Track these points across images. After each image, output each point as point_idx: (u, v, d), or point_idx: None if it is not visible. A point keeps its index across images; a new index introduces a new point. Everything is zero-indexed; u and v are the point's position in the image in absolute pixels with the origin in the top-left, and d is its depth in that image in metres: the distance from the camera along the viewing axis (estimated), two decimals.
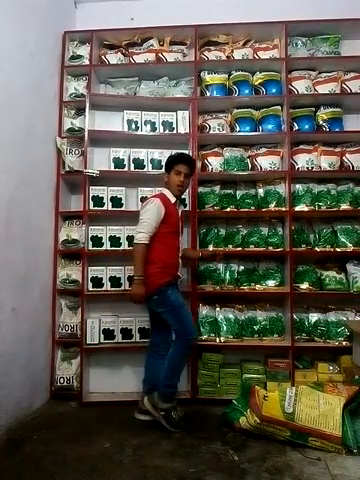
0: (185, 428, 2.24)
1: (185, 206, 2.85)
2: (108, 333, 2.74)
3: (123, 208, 2.82)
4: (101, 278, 2.76)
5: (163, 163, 2.84)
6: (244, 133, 2.98)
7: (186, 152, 2.88)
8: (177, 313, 2.31)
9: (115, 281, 2.77)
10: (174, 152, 2.66)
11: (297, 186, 2.91)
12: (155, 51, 3.11)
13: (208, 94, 3.03)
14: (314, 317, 2.82)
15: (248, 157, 3.03)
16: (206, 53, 3.09)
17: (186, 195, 2.85)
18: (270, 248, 2.87)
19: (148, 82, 3.09)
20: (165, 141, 2.92)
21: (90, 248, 2.77)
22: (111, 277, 2.76)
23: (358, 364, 2.42)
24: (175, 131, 2.92)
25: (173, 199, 2.41)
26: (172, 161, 2.45)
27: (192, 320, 2.41)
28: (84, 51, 3.10)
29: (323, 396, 2.20)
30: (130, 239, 2.77)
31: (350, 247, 2.81)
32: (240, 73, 3.04)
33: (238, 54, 3.08)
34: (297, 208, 2.86)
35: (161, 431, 2.25)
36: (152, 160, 2.86)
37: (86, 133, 2.79)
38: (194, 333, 2.37)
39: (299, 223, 2.93)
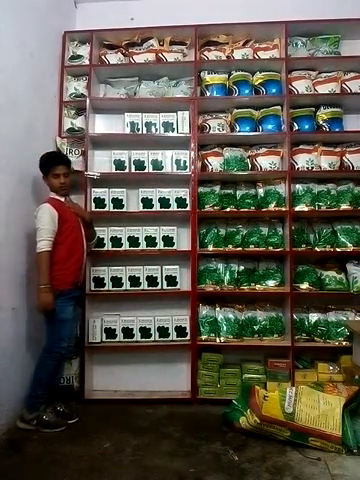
0: (65, 424, 2.25)
1: (185, 206, 2.83)
2: (110, 332, 2.75)
3: (124, 209, 2.82)
4: (103, 278, 2.77)
5: (164, 164, 2.87)
6: (244, 133, 2.98)
7: (188, 152, 2.89)
8: (53, 324, 2.28)
9: (117, 281, 2.78)
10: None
11: (297, 186, 2.91)
12: (155, 51, 3.11)
13: (208, 94, 3.03)
14: (314, 317, 2.82)
15: (248, 157, 3.03)
16: (206, 53, 3.09)
17: (186, 195, 2.86)
18: (270, 248, 2.87)
19: (148, 82, 3.09)
20: (166, 142, 2.92)
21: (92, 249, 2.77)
22: (113, 277, 2.78)
23: (358, 364, 2.43)
24: (175, 132, 2.91)
25: (62, 198, 2.41)
26: (46, 165, 2.39)
27: (68, 337, 2.36)
28: (84, 51, 3.10)
29: (323, 396, 2.20)
30: (131, 240, 2.79)
31: (350, 247, 2.81)
32: (240, 73, 3.04)
33: (238, 54, 3.08)
34: (297, 208, 2.86)
35: (161, 431, 2.25)
36: (153, 161, 2.86)
37: (87, 137, 2.80)
38: (60, 349, 2.29)
39: (299, 223, 2.93)
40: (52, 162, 2.39)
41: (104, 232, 2.79)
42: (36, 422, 2.23)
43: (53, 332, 2.30)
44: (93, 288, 2.76)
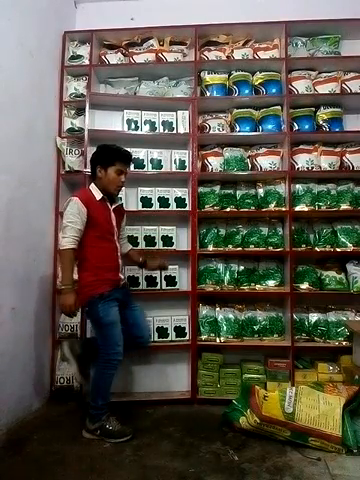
0: (130, 433, 2.14)
1: (184, 206, 2.82)
2: None
3: None
4: None
5: (163, 163, 2.86)
6: (244, 133, 2.98)
7: (187, 151, 2.89)
8: (102, 330, 2.16)
9: None
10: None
11: (297, 186, 2.91)
12: (155, 51, 3.11)
13: (208, 94, 3.03)
14: (314, 317, 2.82)
15: (248, 157, 3.03)
16: (206, 53, 3.09)
17: (186, 195, 2.86)
18: (270, 248, 2.87)
19: (148, 82, 3.09)
20: (165, 141, 2.92)
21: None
22: None
23: (358, 364, 2.43)
24: (175, 131, 2.91)
25: (99, 196, 2.20)
26: (114, 157, 2.20)
27: (120, 339, 2.15)
28: (84, 51, 3.10)
29: (323, 396, 2.20)
30: (130, 239, 2.76)
31: (350, 247, 2.81)
32: (240, 73, 3.04)
33: (238, 54, 3.08)
34: (297, 208, 2.86)
35: (161, 431, 2.25)
36: (152, 160, 2.85)
37: (86, 133, 2.78)
38: (116, 355, 2.13)
39: (299, 223, 2.93)
40: (122, 157, 2.23)
41: None
42: (100, 432, 2.13)
43: (104, 339, 2.15)
44: None
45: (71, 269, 2.09)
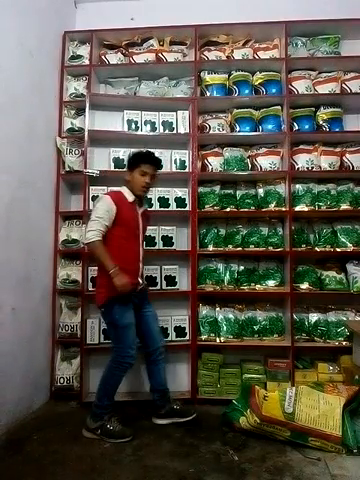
0: (131, 434, 2.15)
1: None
2: None
3: None
4: None
5: (163, 163, 2.82)
6: (244, 133, 2.98)
7: (188, 151, 2.89)
8: (116, 332, 2.20)
9: None
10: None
11: (297, 186, 2.91)
12: (155, 51, 3.11)
13: (208, 94, 3.03)
14: (314, 317, 2.82)
15: (248, 157, 3.03)
16: (206, 53, 3.09)
17: (186, 195, 2.86)
18: (270, 248, 2.87)
19: (148, 82, 3.09)
20: (165, 141, 2.92)
21: None
22: None
23: (358, 364, 2.43)
24: (175, 131, 2.91)
25: (131, 198, 2.26)
26: (138, 159, 2.29)
27: (134, 342, 2.20)
28: (84, 51, 3.10)
29: (323, 396, 2.20)
30: None
31: (350, 247, 2.81)
32: (240, 73, 3.04)
33: (238, 54, 3.09)
34: (297, 208, 2.86)
35: (161, 431, 2.25)
36: None
37: (86, 133, 2.78)
38: (129, 358, 2.17)
39: (299, 223, 2.93)
40: (145, 159, 2.29)
41: None
42: (100, 432, 2.15)
43: (118, 340, 2.20)
44: (91, 288, 2.74)
45: (106, 255, 2.11)
